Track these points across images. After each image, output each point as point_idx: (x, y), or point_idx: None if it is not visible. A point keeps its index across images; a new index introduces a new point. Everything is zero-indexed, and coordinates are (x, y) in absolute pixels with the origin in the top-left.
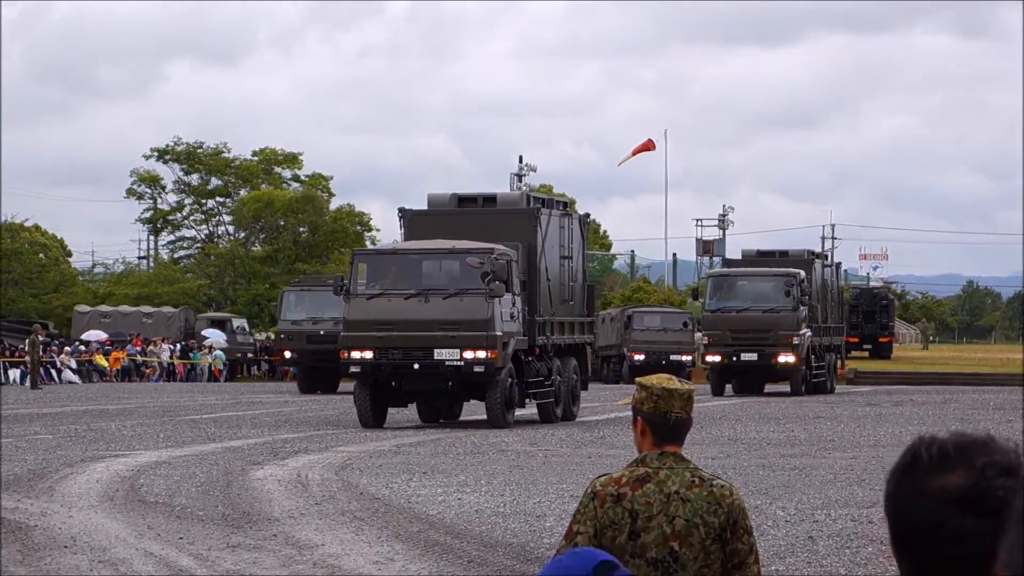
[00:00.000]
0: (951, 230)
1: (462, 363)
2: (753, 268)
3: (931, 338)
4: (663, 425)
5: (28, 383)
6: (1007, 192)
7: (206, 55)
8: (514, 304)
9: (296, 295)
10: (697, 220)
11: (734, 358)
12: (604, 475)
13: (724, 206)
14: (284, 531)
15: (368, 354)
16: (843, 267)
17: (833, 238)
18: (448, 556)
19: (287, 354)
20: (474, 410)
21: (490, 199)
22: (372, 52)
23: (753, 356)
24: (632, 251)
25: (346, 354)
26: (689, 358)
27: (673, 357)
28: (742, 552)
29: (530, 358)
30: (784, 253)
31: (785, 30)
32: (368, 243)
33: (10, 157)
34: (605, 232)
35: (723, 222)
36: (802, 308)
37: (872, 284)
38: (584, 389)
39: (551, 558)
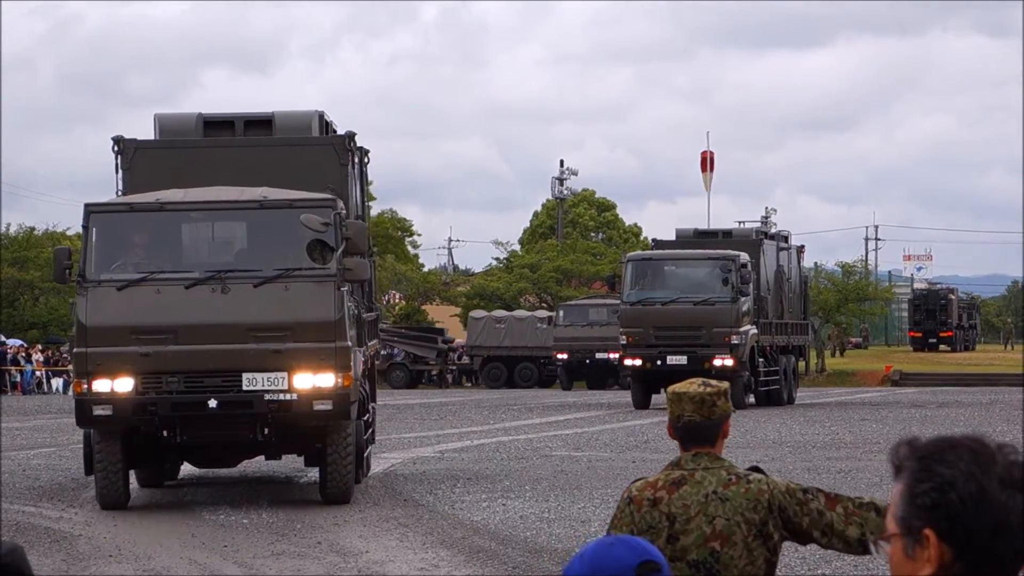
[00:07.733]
0: (994, 230)
1: (294, 396)
2: (682, 251)
3: (979, 337)
4: (677, 428)
5: (71, 393)
6: None
7: (240, 63)
8: (352, 293)
9: None
10: (740, 222)
11: (658, 362)
12: (640, 479)
13: (767, 208)
14: (328, 538)
15: (126, 384)
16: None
17: (877, 239)
18: (493, 562)
19: None
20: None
21: (261, 122)
22: (403, 59)
23: (682, 359)
24: None
25: (84, 386)
26: (618, 356)
27: (599, 355)
28: (813, 511)
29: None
30: (728, 233)
31: (816, 33)
32: (409, 248)
33: (46, 166)
34: (640, 232)
35: (766, 224)
36: (743, 299)
37: (929, 285)
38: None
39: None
